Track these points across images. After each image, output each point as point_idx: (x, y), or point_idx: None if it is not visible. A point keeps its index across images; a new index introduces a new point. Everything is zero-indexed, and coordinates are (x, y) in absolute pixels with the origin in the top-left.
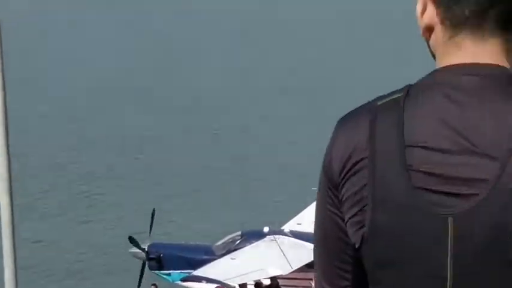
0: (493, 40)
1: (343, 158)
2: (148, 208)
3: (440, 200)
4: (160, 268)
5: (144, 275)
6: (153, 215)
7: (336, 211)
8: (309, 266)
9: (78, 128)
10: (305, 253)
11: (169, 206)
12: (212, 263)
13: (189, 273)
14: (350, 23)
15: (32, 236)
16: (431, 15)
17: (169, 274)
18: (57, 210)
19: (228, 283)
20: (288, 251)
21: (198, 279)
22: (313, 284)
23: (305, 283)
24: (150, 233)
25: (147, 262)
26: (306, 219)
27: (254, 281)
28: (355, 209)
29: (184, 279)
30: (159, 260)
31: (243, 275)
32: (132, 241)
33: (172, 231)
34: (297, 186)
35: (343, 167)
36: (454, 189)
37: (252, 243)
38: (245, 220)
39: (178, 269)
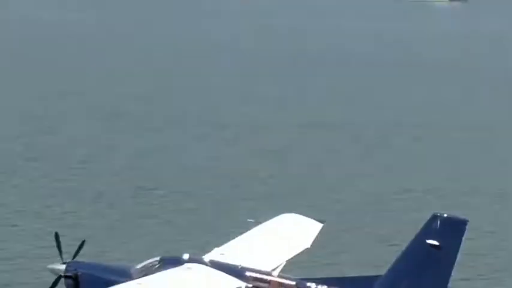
0: None
1: None
2: None
3: None
4: (76, 287)
5: None
6: (56, 238)
7: None
8: None
9: None
10: (218, 284)
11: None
12: (115, 286)
13: None
14: None
15: None
16: None
17: None
18: None
19: None
20: (200, 279)
21: None
22: None
23: None
24: (61, 256)
25: (64, 280)
26: (230, 251)
27: None
28: None
29: None
30: (75, 278)
31: None
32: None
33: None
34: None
35: None
36: None
37: (168, 269)
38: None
39: None
